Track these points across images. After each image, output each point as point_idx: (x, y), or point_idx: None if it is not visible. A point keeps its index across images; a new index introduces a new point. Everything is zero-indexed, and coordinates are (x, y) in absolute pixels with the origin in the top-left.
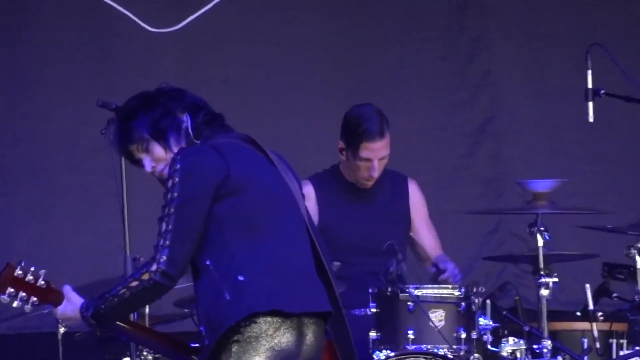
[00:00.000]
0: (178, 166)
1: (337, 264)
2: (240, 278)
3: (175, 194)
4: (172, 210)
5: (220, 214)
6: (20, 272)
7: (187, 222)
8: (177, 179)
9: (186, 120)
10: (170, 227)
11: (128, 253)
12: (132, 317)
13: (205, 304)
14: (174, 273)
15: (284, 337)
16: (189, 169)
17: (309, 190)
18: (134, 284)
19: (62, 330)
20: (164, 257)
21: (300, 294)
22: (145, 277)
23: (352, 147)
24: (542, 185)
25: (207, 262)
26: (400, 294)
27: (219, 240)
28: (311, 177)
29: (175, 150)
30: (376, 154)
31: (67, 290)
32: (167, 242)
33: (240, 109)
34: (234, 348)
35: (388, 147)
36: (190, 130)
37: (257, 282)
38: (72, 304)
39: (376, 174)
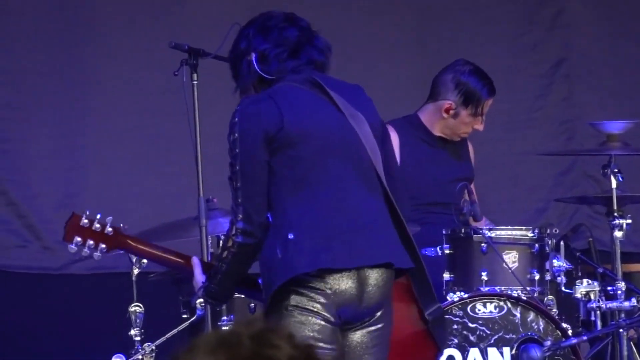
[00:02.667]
0: (236, 119)
1: (417, 229)
2: (290, 236)
3: (237, 150)
4: (238, 167)
5: (276, 168)
6: (86, 220)
7: (251, 177)
8: (236, 134)
9: (253, 60)
10: (239, 184)
11: (202, 195)
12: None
13: (262, 258)
14: (253, 229)
15: (341, 285)
16: (245, 123)
17: (393, 136)
18: (224, 254)
19: (136, 270)
20: (240, 216)
21: (352, 248)
22: (229, 243)
23: (471, 104)
24: (615, 127)
25: (268, 216)
26: (474, 235)
27: (276, 196)
28: (393, 122)
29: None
30: (486, 109)
31: (194, 263)
32: (240, 200)
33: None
34: (284, 311)
35: None
36: (256, 73)
37: (304, 240)
38: (195, 281)
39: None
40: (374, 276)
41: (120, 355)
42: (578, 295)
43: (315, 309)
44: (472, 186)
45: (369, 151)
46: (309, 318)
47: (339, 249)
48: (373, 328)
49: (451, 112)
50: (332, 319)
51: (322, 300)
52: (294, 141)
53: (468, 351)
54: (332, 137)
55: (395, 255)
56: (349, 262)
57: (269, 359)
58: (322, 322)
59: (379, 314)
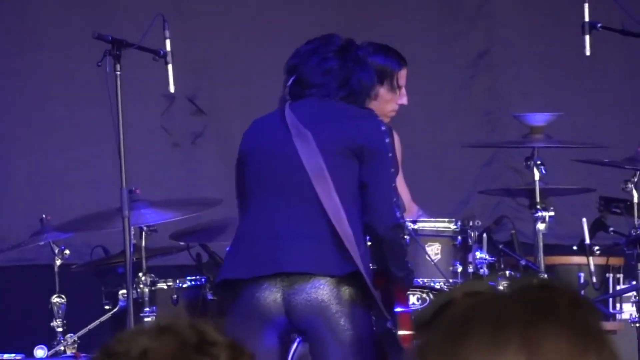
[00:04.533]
0: None
1: None
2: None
3: None
4: None
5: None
6: None
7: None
8: None
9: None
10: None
11: (124, 186)
12: None
13: None
14: None
15: (241, 300)
16: None
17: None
18: None
19: (58, 262)
20: None
21: (254, 260)
22: None
23: (387, 79)
24: (539, 119)
25: None
26: None
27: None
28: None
29: None
30: (404, 80)
31: None
32: None
33: (239, 42)
34: None
35: None
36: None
37: (227, 252)
38: None
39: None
40: (273, 288)
41: (42, 346)
42: (501, 288)
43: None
44: (399, 177)
45: (306, 167)
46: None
47: (246, 259)
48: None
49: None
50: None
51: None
52: (243, 161)
53: None
54: (271, 159)
55: (297, 262)
56: (250, 272)
57: (213, 343)
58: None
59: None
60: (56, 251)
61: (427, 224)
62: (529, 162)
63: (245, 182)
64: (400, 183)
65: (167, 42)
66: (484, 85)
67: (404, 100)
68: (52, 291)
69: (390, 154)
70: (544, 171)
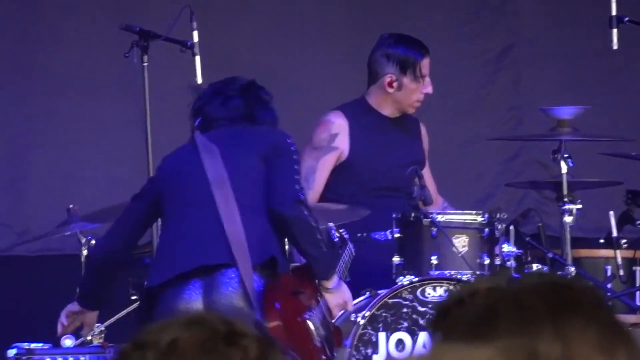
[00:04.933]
0: None
1: (366, 212)
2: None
3: None
4: None
5: None
6: None
7: None
8: None
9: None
10: None
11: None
12: None
13: None
14: None
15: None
16: None
17: (341, 122)
18: None
19: (85, 252)
20: None
21: (173, 261)
22: None
23: (409, 69)
24: (566, 112)
25: None
26: (423, 219)
27: None
28: (341, 108)
29: None
30: (427, 69)
31: None
32: None
33: (265, 35)
34: None
35: None
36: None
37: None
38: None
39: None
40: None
41: (70, 336)
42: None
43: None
44: (426, 170)
45: (208, 175)
46: None
47: (164, 262)
48: None
49: (394, 84)
50: None
51: None
52: (155, 188)
53: (417, 335)
54: (178, 175)
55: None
56: (164, 276)
57: (243, 335)
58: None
59: None
60: (83, 241)
61: (455, 216)
62: (555, 155)
63: (163, 208)
64: (427, 175)
65: (195, 33)
66: (509, 80)
67: (428, 89)
68: (78, 281)
69: (295, 156)
70: (571, 164)
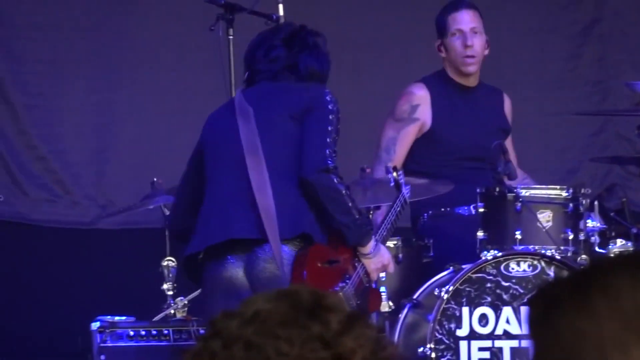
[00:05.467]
0: None
1: (450, 186)
2: None
3: None
4: None
5: None
6: None
7: None
8: None
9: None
10: None
11: None
12: None
13: None
14: None
15: (207, 273)
16: None
17: (423, 94)
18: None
19: None
20: None
21: (206, 233)
22: None
23: (443, 29)
24: None
25: None
26: (508, 194)
27: None
28: (424, 80)
29: None
30: (465, 23)
31: None
32: None
33: (350, 10)
34: None
35: (479, 22)
36: None
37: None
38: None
39: (472, 44)
40: (233, 257)
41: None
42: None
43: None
44: (508, 142)
45: (243, 143)
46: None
47: (202, 232)
48: None
49: (442, 48)
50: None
51: None
52: (200, 149)
53: (501, 310)
54: (218, 137)
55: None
56: (203, 244)
57: (329, 309)
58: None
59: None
60: (167, 214)
61: (539, 191)
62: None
63: (205, 169)
64: (509, 147)
65: (280, 6)
66: (594, 55)
67: (468, 41)
68: (162, 254)
69: (330, 116)
70: None
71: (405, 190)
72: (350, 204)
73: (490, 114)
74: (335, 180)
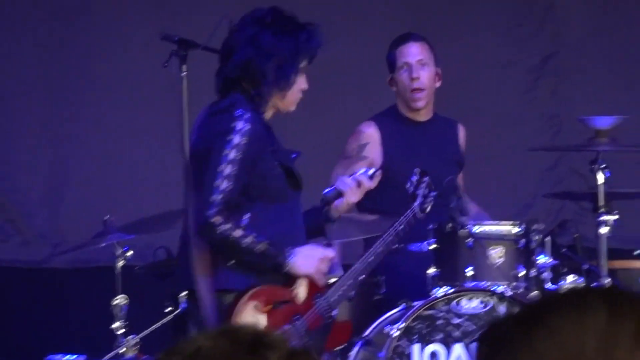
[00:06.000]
0: None
1: (416, 170)
2: None
3: None
4: None
5: None
6: None
7: None
8: None
9: None
10: None
11: None
12: None
13: None
14: None
15: None
16: None
17: (372, 132)
18: None
19: (121, 263)
20: None
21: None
22: None
23: (392, 63)
24: (604, 122)
25: None
26: (460, 231)
27: None
28: (374, 118)
29: None
30: (412, 56)
31: None
32: None
33: None
34: None
35: (427, 54)
36: None
37: None
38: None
39: (418, 76)
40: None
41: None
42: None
43: None
44: (460, 177)
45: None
46: None
47: None
48: None
49: (392, 82)
50: None
51: None
52: None
53: (452, 347)
54: None
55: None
56: None
57: (269, 346)
58: None
59: None
60: (119, 252)
61: (491, 227)
62: (593, 166)
63: None
64: (462, 181)
65: None
66: (549, 89)
67: (414, 74)
68: (114, 293)
69: (225, 150)
70: (608, 174)
71: (416, 204)
72: (244, 244)
73: (445, 147)
74: (218, 232)
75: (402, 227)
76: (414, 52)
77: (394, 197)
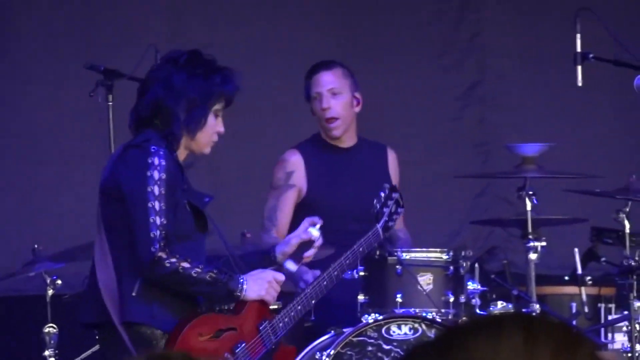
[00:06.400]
0: None
1: (331, 251)
2: None
3: None
4: None
5: None
6: None
7: None
8: None
9: None
10: None
11: None
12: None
13: None
14: None
15: None
16: None
17: (296, 160)
18: None
19: (50, 292)
20: None
21: None
22: None
23: (307, 94)
24: (531, 149)
25: None
26: (389, 258)
27: None
28: (298, 146)
29: None
30: (322, 85)
31: None
32: None
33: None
34: None
35: (340, 81)
36: None
37: None
38: None
39: (328, 106)
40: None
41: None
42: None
43: None
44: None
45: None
46: None
47: None
48: None
49: (312, 110)
50: None
51: None
52: None
53: None
54: None
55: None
56: None
57: None
58: None
59: None
60: (48, 281)
61: (420, 254)
62: (520, 193)
63: None
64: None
65: None
66: (475, 117)
67: (323, 104)
68: (43, 321)
69: (149, 187)
70: (535, 201)
71: (380, 224)
72: (195, 274)
73: (371, 173)
74: (166, 265)
75: (361, 249)
76: (325, 82)
77: (322, 226)
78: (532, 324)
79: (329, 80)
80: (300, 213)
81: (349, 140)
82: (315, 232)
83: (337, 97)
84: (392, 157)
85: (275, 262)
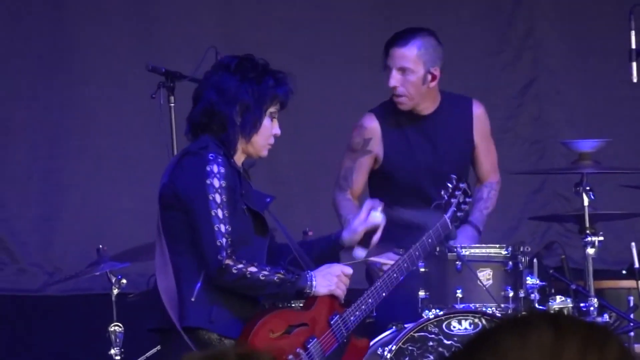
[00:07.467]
0: None
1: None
2: None
3: None
4: None
5: None
6: None
7: None
8: None
9: None
10: None
11: None
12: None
13: None
14: None
15: None
16: None
17: (373, 127)
18: None
19: (115, 291)
20: None
21: None
22: None
23: (384, 61)
24: (587, 145)
25: None
26: (449, 254)
27: None
28: (374, 110)
29: None
30: (394, 62)
31: None
32: None
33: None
34: None
35: (410, 61)
36: None
37: None
38: None
39: (394, 84)
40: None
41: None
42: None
43: None
44: (480, 151)
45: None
46: None
47: None
48: None
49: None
50: None
51: None
52: None
53: None
54: None
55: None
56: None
57: None
58: None
59: None
60: (113, 281)
61: (479, 250)
62: (578, 188)
63: None
64: (482, 153)
65: None
66: (531, 114)
67: (391, 82)
68: (109, 320)
69: (210, 195)
70: (592, 197)
71: (448, 214)
72: (262, 278)
73: (452, 136)
74: (234, 272)
75: (430, 240)
76: (397, 58)
77: (396, 195)
78: (559, 322)
79: (400, 57)
80: (376, 180)
81: (425, 110)
82: (378, 216)
83: (407, 74)
84: (477, 112)
85: (341, 248)
